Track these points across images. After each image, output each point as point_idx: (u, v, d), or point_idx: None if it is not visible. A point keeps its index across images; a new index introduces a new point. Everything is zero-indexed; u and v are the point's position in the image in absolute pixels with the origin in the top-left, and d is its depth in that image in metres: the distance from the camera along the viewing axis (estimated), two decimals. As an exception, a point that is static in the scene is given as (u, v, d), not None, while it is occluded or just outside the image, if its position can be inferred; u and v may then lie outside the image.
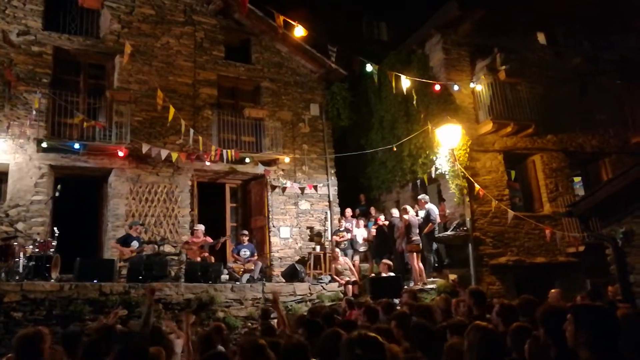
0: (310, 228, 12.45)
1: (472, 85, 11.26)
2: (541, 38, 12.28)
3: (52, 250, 8.58)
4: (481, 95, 11.24)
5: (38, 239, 8.86)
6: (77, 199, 10.67)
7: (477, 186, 10.24)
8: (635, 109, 12.03)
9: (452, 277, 9.73)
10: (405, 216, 10.14)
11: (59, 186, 9.56)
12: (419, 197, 10.80)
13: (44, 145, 10.02)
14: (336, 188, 12.95)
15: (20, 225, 9.58)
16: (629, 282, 7.19)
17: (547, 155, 11.68)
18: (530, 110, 11.29)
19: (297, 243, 12.19)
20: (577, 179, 12.65)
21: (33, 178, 9.95)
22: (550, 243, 10.42)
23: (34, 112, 9.87)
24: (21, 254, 8.29)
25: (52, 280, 8.11)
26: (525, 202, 11.93)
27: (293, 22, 7.48)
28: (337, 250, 10.84)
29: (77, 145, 10.18)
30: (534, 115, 11.25)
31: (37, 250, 8.43)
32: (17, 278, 7.97)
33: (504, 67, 11.25)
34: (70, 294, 7.80)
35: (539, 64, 12.10)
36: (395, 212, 10.94)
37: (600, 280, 8.58)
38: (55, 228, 9.16)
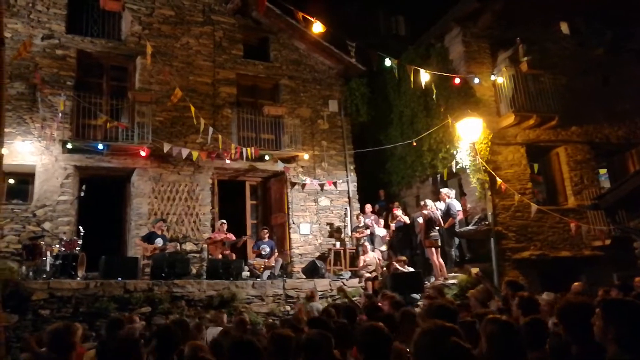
0: (330, 224, 12.46)
1: (493, 77, 11.08)
2: (564, 28, 11.98)
3: (77, 249, 8.79)
4: (502, 88, 11.04)
5: (64, 238, 9.09)
6: (102, 199, 10.89)
7: (498, 180, 10.08)
8: (663, 98, 11.68)
9: (475, 270, 9.64)
10: (425, 211, 10.07)
11: (83, 186, 9.79)
12: (441, 190, 10.70)
13: (69, 146, 10.24)
14: (355, 184, 12.93)
15: (47, 225, 9.83)
16: (658, 276, 7.00)
17: (571, 148, 11.43)
18: (554, 102, 11.05)
19: (317, 239, 12.21)
20: (602, 171, 12.33)
21: (59, 179, 10.18)
22: (575, 237, 10.21)
23: (60, 115, 10.09)
24: (48, 253, 8.53)
25: (78, 279, 8.31)
26: (549, 196, 11.70)
27: (311, 18, 7.47)
28: (366, 244, 10.82)
29: (100, 146, 10.38)
30: (558, 106, 11.00)
31: (63, 249, 8.64)
32: (44, 276, 8.20)
33: (526, 58, 11.03)
34: (95, 292, 7.98)
35: (561, 55, 11.84)
36: (429, 203, 10.35)
37: (628, 274, 8.36)
38: (80, 227, 9.39)
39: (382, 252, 11.34)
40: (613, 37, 11.93)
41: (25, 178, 10.14)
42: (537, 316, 3.22)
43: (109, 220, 11.20)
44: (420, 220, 10.34)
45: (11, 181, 10.18)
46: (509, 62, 11.16)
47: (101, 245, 9.68)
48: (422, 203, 10.63)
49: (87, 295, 7.90)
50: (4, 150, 9.92)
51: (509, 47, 11.30)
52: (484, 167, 10.27)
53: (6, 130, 9.82)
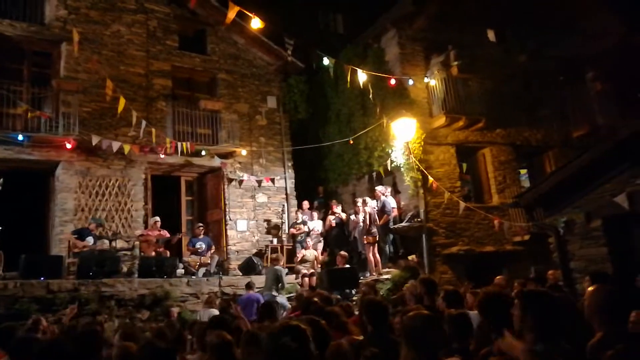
0: (268, 221, 12.43)
1: (426, 80, 11.51)
2: (490, 35, 12.69)
3: (-6, 247, 8.16)
4: (435, 90, 11.51)
5: (-21, 236, 8.40)
6: (22, 194, 10.16)
7: (430, 178, 10.53)
8: (576, 104, 12.68)
9: (411, 257, 10.06)
10: (367, 208, 10.32)
11: (1, 180, 9.08)
12: (377, 188, 11.01)
13: (-16, 136, 9.47)
14: (293, 181, 12.98)
15: (-41, 222, 9.03)
16: (570, 268, 7.64)
17: (496, 149, 12.14)
18: (481, 105, 11.67)
19: (254, 236, 12.14)
20: (523, 171, 13.23)
21: (-28, 171, 9.39)
22: (499, 233, 10.87)
23: (-27, 102, 9.31)
24: (-39, 252, 7.85)
25: (-5, 279, 7.73)
26: (475, 194, 12.37)
27: (250, 14, 7.38)
28: (308, 239, 10.90)
29: (20, 137, 9.70)
30: (484, 109, 11.63)
31: (-22, 247, 7.99)
32: (-44, 277, 7.55)
33: (456, 62, 11.57)
34: (15, 292, 7.49)
35: (488, 60, 12.49)
36: (369, 202, 10.68)
37: (544, 267, 9.06)
38: (-3, 224, 8.72)
39: (317, 244, 11.47)
40: (536, 45, 12.79)
41: None
42: (463, 311, 3.42)
43: (30, 217, 10.49)
44: (354, 217, 10.63)
45: None
46: (441, 65, 11.66)
47: (21, 243, 9.04)
48: (357, 201, 10.87)
49: (5, 296, 7.40)
50: None
51: (442, 51, 11.80)
52: (417, 166, 10.68)
53: None
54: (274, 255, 9.43)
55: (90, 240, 9.17)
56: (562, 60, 12.74)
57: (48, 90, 10.42)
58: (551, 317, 2.42)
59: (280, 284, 8.57)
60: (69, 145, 10.06)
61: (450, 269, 10.60)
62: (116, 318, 7.90)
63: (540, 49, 12.72)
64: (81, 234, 9.23)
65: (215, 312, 7.14)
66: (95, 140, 9.73)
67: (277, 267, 8.88)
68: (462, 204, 10.51)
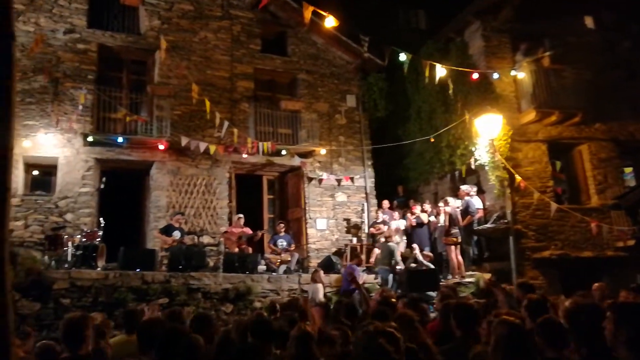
0: (347, 220, 12.43)
1: (513, 73, 10.86)
2: (588, 22, 11.69)
3: (98, 240, 8.95)
4: (523, 83, 10.83)
5: (85, 229, 9.27)
6: (121, 191, 11.06)
7: (518, 177, 9.91)
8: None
9: (487, 276, 9.40)
10: (447, 208, 9.96)
11: (103, 179, 9.96)
12: (461, 187, 10.57)
13: (90, 139, 10.42)
14: (373, 180, 12.86)
15: (68, 216, 10.04)
16: (682, 278, 6.80)
17: (595, 145, 11.16)
18: (577, 98, 10.80)
19: (333, 235, 12.20)
20: (627, 170, 12.02)
21: (80, 171, 10.38)
22: (598, 237, 9.98)
23: (80, 108, 10.28)
24: (70, 244, 8.69)
25: (98, 269, 8.47)
26: (571, 194, 11.47)
27: (324, 13, 7.40)
28: (382, 240, 10.80)
29: (120, 139, 10.54)
30: (581, 102, 10.75)
31: (84, 240, 8.81)
32: (65, 266, 8.37)
33: (547, 53, 10.80)
34: (114, 282, 8.12)
35: (585, 49, 11.53)
36: (452, 201, 10.32)
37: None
38: (101, 219, 9.56)
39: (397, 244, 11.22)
40: (639, 31, 11.57)
41: (49, 170, 10.37)
42: (550, 316, 3.15)
43: (128, 212, 11.39)
44: (433, 218, 10.28)
45: (35, 172, 10.45)
46: (530, 57, 10.94)
47: (121, 236, 9.84)
48: (427, 207, 10.49)
49: (106, 285, 8.04)
50: (27, 142, 10.15)
51: (531, 42, 11.05)
52: (503, 164, 10.10)
53: (29, 122, 10.10)
54: (386, 233, 10.07)
55: (177, 234, 9.73)
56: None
57: (144, 95, 11.25)
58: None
59: (393, 260, 9.13)
60: (161, 147, 10.76)
61: (541, 274, 9.92)
62: (202, 310, 8.31)
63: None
64: (167, 230, 9.82)
65: (320, 287, 8.22)
66: (184, 141, 10.32)
67: (390, 243, 9.47)
68: (554, 205, 9.77)
